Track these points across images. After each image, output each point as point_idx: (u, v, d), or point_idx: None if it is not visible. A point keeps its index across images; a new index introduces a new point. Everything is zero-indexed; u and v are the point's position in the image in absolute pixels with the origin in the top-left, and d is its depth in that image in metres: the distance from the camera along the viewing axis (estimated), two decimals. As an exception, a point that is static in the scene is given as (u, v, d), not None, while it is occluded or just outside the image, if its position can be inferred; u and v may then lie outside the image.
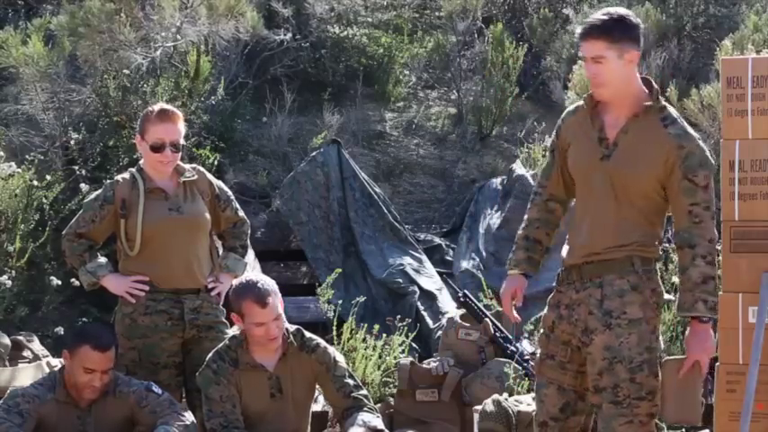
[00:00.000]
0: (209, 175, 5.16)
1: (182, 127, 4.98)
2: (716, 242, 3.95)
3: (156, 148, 4.89)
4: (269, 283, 4.71)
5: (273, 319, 4.64)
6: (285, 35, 9.98)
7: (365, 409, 4.77)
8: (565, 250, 4.16)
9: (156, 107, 5.01)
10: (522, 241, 4.27)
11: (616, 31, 3.91)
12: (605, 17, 3.93)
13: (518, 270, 4.25)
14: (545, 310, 4.20)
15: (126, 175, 5.02)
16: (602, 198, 4.01)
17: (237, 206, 5.22)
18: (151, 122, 4.91)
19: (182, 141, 4.97)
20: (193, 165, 5.17)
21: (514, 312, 4.26)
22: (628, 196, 3.98)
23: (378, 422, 4.74)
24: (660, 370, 4.00)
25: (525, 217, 4.32)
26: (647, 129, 3.97)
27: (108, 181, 5.19)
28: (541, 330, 4.22)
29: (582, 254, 4.05)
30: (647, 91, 4.03)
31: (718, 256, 5.51)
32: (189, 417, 4.70)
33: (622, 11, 4.01)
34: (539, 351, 4.25)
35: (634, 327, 3.93)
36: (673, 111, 4.04)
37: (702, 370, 3.92)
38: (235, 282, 4.87)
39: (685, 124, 4.01)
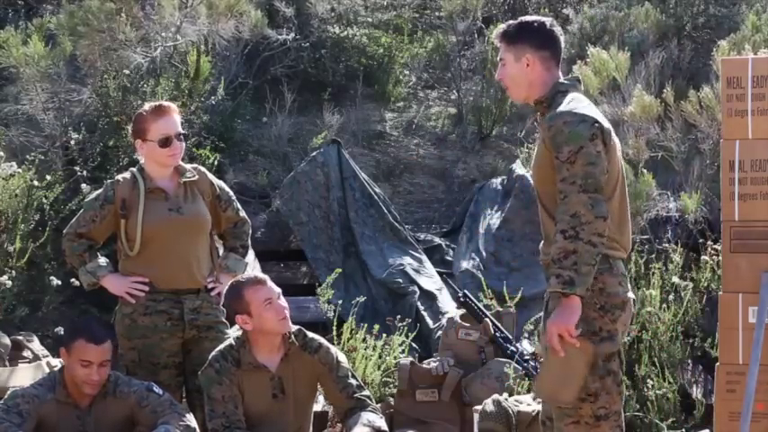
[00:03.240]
0: (210, 176, 5.17)
1: (178, 118, 5.02)
2: (587, 217, 3.71)
3: (164, 143, 4.91)
4: (254, 270, 4.75)
5: (278, 297, 4.68)
6: (288, 35, 9.99)
7: (368, 409, 4.78)
8: None
9: (148, 107, 5.03)
10: None
11: (514, 35, 4.02)
12: (511, 23, 4.07)
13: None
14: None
15: (127, 174, 5.03)
16: (539, 205, 4.04)
17: (239, 206, 5.22)
18: (150, 121, 4.92)
19: (182, 131, 5.01)
20: (194, 165, 5.18)
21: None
22: (545, 199, 3.96)
23: (381, 423, 4.75)
24: None
25: None
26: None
27: (108, 181, 5.19)
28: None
29: (542, 257, 4.07)
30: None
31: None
32: (190, 418, 4.70)
33: (531, 18, 4.11)
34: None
35: None
36: (568, 97, 3.96)
37: (554, 344, 3.76)
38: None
39: (568, 105, 3.90)
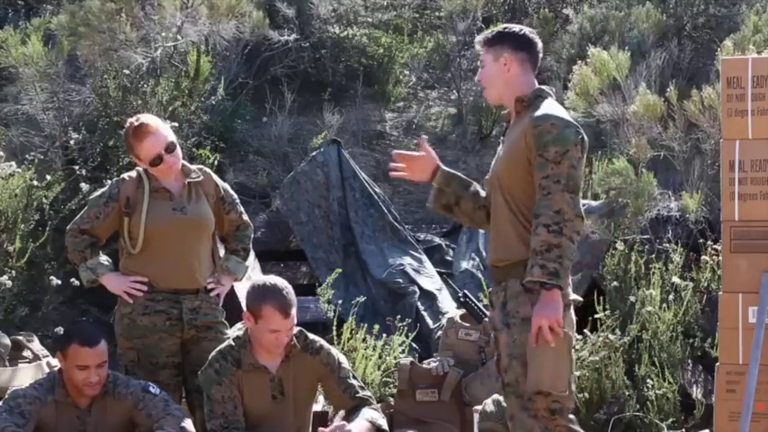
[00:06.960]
0: (216, 177, 5.17)
1: (164, 128, 4.96)
2: (570, 215, 3.92)
3: (155, 162, 4.91)
4: (292, 292, 4.63)
5: (289, 329, 4.64)
6: (289, 35, 9.99)
7: (370, 408, 4.78)
8: None
9: (130, 127, 4.94)
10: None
11: (494, 38, 4.24)
12: (493, 29, 4.31)
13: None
14: (490, 311, 4.38)
15: (133, 173, 5.04)
16: (497, 201, 4.20)
17: (242, 209, 5.22)
18: (135, 147, 4.92)
19: (172, 138, 4.96)
20: (200, 166, 5.19)
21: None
22: (511, 194, 4.12)
23: (383, 422, 4.76)
24: None
25: None
26: (520, 121, 4.16)
27: (114, 179, 5.20)
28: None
29: (490, 258, 4.27)
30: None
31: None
32: (186, 422, 4.67)
33: (511, 25, 4.34)
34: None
35: (526, 325, 4.01)
36: (547, 101, 4.16)
37: (546, 336, 3.92)
38: (257, 279, 4.85)
39: (552, 109, 4.10)
